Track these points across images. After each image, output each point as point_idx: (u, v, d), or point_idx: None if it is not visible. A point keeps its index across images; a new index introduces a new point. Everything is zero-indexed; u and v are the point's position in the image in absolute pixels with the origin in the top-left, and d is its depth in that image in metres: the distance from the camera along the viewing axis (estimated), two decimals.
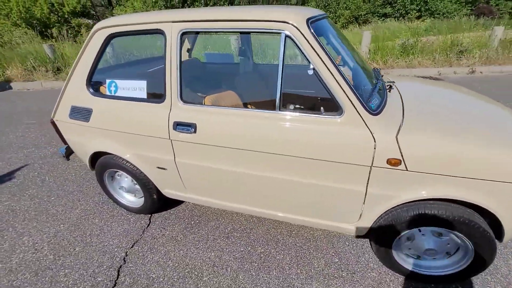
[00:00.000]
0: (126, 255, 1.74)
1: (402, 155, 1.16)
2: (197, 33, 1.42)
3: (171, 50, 1.44)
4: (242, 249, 1.74)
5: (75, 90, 1.80)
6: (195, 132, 1.46)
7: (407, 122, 1.26)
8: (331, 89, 1.21)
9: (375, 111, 1.23)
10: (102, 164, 1.91)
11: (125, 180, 2.00)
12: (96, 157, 1.92)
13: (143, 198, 2.04)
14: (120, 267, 1.65)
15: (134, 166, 1.78)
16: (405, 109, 1.39)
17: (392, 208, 1.29)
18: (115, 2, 26.67)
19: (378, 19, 24.30)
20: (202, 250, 1.75)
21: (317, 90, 1.69)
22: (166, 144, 1.58)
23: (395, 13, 23.77)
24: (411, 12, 23.37)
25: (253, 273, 1.58)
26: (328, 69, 1.19)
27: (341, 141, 1.23)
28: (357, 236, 1.73)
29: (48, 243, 1.85)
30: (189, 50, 2.74)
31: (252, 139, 1.37)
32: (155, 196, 1.92)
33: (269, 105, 1.81)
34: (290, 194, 1.47)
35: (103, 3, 28.05)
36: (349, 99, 1.19)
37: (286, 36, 1.23)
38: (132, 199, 2.10)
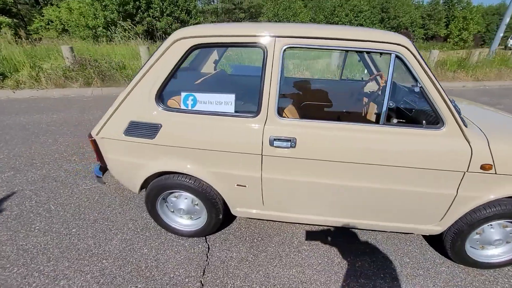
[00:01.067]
0: (203, 285, 1.56)
1: (493, 161, 1.37)
2: (291, 48, 1.42)
3: (273, 65, 1.41)
4: (319, 261, 1.74)
5: (139, 104, 1.59)
6: (294, 146, 1.44)
7: (486, 132, 1.47)
8: (436, 104, 1.36)
9: (465, 124, 1.43)
10: (160, 185, 1.70)
11: (184, 201, 1.81)
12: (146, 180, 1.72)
13: (199, 220, 1.88)
14: None
15: (208, 185, 1.65)
16: (473, 121, 1.60)
17: (476, 207, 1.49)
18: (43, 1, 23.58)
19: None
20: (281, 268, 1.69)
21: (408, 104, 1.81)
22: (255, 160, 1.51)
23: None
24: None
25: (344, 283, 1.60)
26: (435, 86, 1.34)
27: (442, 150, 1.38)
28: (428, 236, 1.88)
29: (99, 285, 1.54)
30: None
31: (357, 151, 1.42)
32: (220, 216, 1.79)
33: (358, 118, 1.89)
34: (382, 202, 1.55)
35: (27, 1, 24.51)
36: (452, 113, 1.36)
37: (397, 56, 1.34)
38: (187, 222, 1.91)
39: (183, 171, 1.61)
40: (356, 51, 1.51)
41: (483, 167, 1.38)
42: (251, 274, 1.64)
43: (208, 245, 1.85)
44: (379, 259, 1.77)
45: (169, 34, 1.61)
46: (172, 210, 1.89)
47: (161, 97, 1.56)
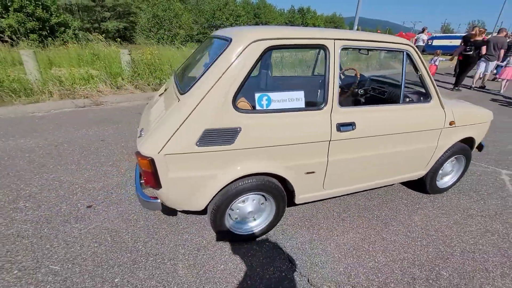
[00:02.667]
0: (308, 279, 1.63)
1: (454, 119, 2.13)
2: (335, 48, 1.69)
3: (334, 62, 1.64)
4: (360, 222, 2.14)
5: (214, 110, 1.44)
6: (354, 129, 1.75)
7: (449, 104, 2.21)
8: (428, 86, 1.98)
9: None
10: (234, 193, 1.60)
11: (252, 203, 1.77)
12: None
13: (262, 218, 1.89)
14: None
15: (285, 178, 1.70)
16: None
17: (445, 151, 2.26)
18: None
19: None
20: (342, 235, 1.96)
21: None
22: (323, 146, 1.71)
23: None
24: None
25: (378, 226, 2.05)
26: (428, 74, 1.95)
27: (430, 116, 2.01)
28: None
29: None
30: None
31: (391, 124, 1.85)
32: (285, 208, 1.87)
33: (386, 101, 2.30)
34: (401, 160, 2.04)
35: None
36: (436, 91, 2.01)
37: (407, 53, 1.86)
38: (253, 223, 1.86)
39: (264, 171, 1.62)
40: (386, 50, 1.96)
41: (450, 123, 2.13)
42: (328, 247, 1.84)
43: (275, 240, 1.90)
44: (388, 206, 2.36)
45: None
46: (236, 217, 1.81)
47: (236, 100, 1.51)
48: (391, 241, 1.92)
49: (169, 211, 2.09)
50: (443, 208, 2.33)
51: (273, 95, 1.58)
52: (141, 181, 1.69)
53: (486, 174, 2.93)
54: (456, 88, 7.67)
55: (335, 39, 1.63)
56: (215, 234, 1.89)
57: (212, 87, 1.43)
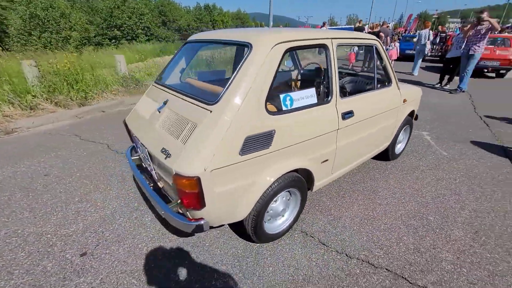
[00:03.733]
0: (347, 255, 1.79)
1: (406, 98, 2.66)
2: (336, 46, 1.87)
3: (334, 59, 1.82)
4: (363, 195, 2.46)
5: (251, 116, 1.40)
6: (353, 115, 1.99)
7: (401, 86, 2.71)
8: (389, 73, 2.39)
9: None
10: (271, 194, 1.61)
11: (283, 201, 1.81)
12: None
13: (287, 212, 1.95)
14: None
15: (309, 171, 1.80)
16: None
17: (401, 124, 2.78)
18: None
19: (110, 42, 24.52)
20: (359, 210, 2.23)
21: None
22: (333, 135, 1.89)
23: (125, 36, 25.11)
24: (140, 36, 25.91)
25: (371, 193, 2.43)
26: (389, 64, 2.36)
27: (393, 96, 2.46)
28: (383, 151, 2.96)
29: None
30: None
31: (376, 108, 2.20)
32: (305, 200, 1.98)
33: (364, 89, 2.58)
34: (379, 136, 2.44)
35: None
36: (394, 77, 2.45)
37: (375, 47, 2.20)
38: (282, 219, 1.90)
39: (296, 167, 1.68)
40: (364, 45, 2.22)
41: (404, 101, 2.65)
42: (345, 223, 2.06)
43: (301, 230, 2.00)
44: (368, 177, 2.78)
45: None
46: (269, 218, 1.82)
47: (267, 103, 1.51)
48: (385, 204, 2.30)
49: (183, 233, 1.93)
50: (404, 169, 2.89)
51: (294, 95, 1.66)
52: (171, 206, 1.52)
53: (414, 137, 3.74)
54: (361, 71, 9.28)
55: (332, 39, 1.81)
56: (248, 241, 1.87)
57: (247, 93, 1.41)
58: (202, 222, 1.44)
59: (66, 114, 4.38)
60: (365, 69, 3.15)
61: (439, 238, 1.92)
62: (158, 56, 19.18)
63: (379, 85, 2.35)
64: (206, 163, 1.30)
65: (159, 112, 1.73)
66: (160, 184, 1.73)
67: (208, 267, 1.68)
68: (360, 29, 10.38)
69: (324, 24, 14.97)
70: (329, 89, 1.83)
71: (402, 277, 1.61)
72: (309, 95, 1.74)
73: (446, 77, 7.22)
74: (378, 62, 2.33)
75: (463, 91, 6.49)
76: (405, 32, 21.11)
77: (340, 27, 27.33)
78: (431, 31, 10.69)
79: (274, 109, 1.65)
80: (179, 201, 1.48)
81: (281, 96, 1.60)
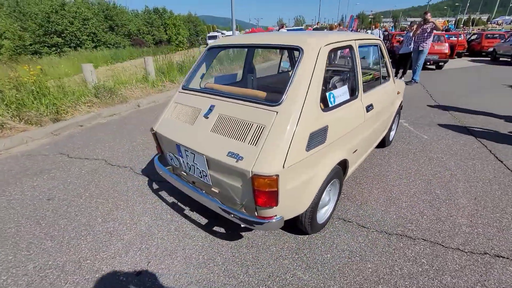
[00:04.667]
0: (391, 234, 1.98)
1: (399, 90, 3.00)
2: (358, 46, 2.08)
3: (358, 57, 2.00)
4: (377, 182, 2.71)
5: (312, 114, 1.50)
6: (373, 108, 2.21)
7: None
8: (389, 69, 2.69)
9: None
10: (322, 189, 1.72)
11: (327, 191, 1.93)
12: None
13: (331, 202, 2.08)
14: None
15: (346, 162, 1.95)
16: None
17: (396, 113, 3.12)
18: None
19: (50, 50, 22.09)
20: (372, 191, 2.46)
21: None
22: (361, 127, 2.08)
23: (68, 43, 22.86)
24: (85, 43, 23.80)
25: (380, 173, 2.71)
26: (388, 61, 2.65)
27: (391, 89, 2.77)
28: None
29: None
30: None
31: (385, 100, 2.48)
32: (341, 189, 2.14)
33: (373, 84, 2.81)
34: (385, 125, 2.74)
35: None
36: (391, 72, 2.76)
37: (379, 46, 2.47)
38: (325, 209, 2.02)
39: (342, 158, 1.82)
40: (373, 45, 2.45)
41: (398, 93, 3.00)
42: (374, 205, 2.27)
43: (338, 217, 2.16)
44: (373, 164, 3.08)
45: None
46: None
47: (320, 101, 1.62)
48: (398, 185, 2.60)
49: (231, 237, 1.96)
50: (399, 154, 3.26)
51: (335, 92, 1.81)
52: (239, 209, 1.55)
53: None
54: None
55: (355, 40, 2.01)
56: (297, 234, 1.96)
57: (307, 92, 1.51)
58: (279, 217, 1.50)
59: (40, 132, 3.92)
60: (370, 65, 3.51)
61: (451, 207, 2.25)
62: (110, 63, 17.90)
63: (383, 80, 2.64)
64: (282, 162, 1.38)
65: (207, 117, 1.73)
66: (215, 190, 1.73)
67: (272, 263, 1.73)
68: (321, 29, 11.36)
69: (283, 25, 15.57)
70: (356, 85, 2.02)
71: (437, 243, 1.87)
72: (344, 92, 1.91)
73: (400, 70, 8.15)
74: (381, 59, 2.62)
75: (417, 82, 7.39)
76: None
77: (293, 28, 28.71)
78: (380, 30, 11.90)
79: (323, 106, 1.78)
80: (243, 202, 1.53)
81: (327, 93, 1.74)
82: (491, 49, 13.15)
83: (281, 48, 1.78)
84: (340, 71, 3.23)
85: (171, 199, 2.43)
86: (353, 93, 2.03)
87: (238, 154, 1.46)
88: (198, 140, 1.68)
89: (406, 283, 1.58)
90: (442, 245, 1.85)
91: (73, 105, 4.71)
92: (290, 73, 3.49)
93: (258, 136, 1.45)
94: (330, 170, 1.72)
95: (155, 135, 2.05)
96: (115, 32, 27.98)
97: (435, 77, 8.42)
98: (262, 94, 1.74)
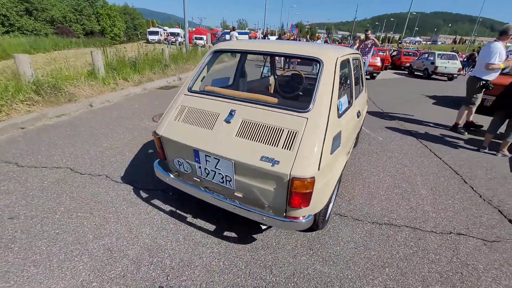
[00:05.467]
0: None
1: (368, 97, 3.43)
2: None
3: (352, 69, 2.24)
4: (370, 164, 3.02)
5: (334, 120, 1.63)
6: (360, 114, 2.50)
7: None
8: (363, 80, 3.05)
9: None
10: (335, 186, 1.90)
11: None
12: None
13: (333, 199, 2.27)
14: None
15: (346, 163, 2.16)
16: None
17: (364, 117, 3.56)
18: None
19: None
20: (383, 177, 2.75)
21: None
22: (354, 131, 2.34)
23: None
24: None
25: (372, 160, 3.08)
26: (363, 72, 3.01)
27: (365, 98, 3.17)
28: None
29: None
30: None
31: (363, 106, 2.81)
32: None
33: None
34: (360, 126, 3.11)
35: None
36: (365, 83, 3.14)
37: (359, 60, 2.79)
38: (330, 205, 2.18)
39: (345, 160, 2.02)
40: (355, 59, 2.72)
41: (367, 101, 3.42)
42: (366, 201, 2.58)
43: (333, 211, 2.36)
44: (349, 164, 3.44)
45: None
46: None
47: None
48: (373, 181, 2.97)
49: (245, 240, 1.98)
50: (364, 154, 3.71)
51: (342, 100, 2.01)
52: (266, 211, 1.60)
53: None
54: None
55: (350, 54, 2.26)
56: (306, 232, 2.09)
57: (330, 100, 1.66)
58: (310, 216, 1.60)
59: None
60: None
61: (417, 198, 2.70)
62: (28, 52, 15.11)
63: (361, 88, 3.00)
64: (317, 164, 1.49)
65: (228, 122, 1.72)
66: (238, 194, 1.73)
67: (292, 261, 1.82)
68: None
69: (234, 28, 15.70)
70: (351, 94, 2.28)
71: (417, 228, 2.24)
72: (346, 100, 2.13)
73: None
74: (360, 70, 2.97)
75: None
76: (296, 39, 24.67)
77: (241, 31, 29.19)
78: (321, 41, 13.11)
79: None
80: (271, 204, 1.60)
81: (338, 101, 1.92)
82: (407, 64, 15.80)
83: (302, 58, 1.88)
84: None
85: (167, 207, 2.29)
86: (350, 101, 2.28)
87: (273, 159, 1.51)
88: (222, 145, 1.66)
89: (405, 264, 1.86)
90: (420, 229, 2.23)
91: (8, 103, 3.92)
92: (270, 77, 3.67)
93: (291, 141, 1.53)
94: (341, 170, 1.90)
95: (160, 140, 1.92)
96: (34, 16, 23.82)
97: (373, 87, 9.70)
98: (273, 99, 1.82)
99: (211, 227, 2.09)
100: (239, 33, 26.99)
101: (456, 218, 2.41)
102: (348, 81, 2.29)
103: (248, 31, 47.12)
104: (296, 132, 1.55)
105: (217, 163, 1.68)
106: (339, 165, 1.89)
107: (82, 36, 30.45)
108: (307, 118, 1.58)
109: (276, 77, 3.66)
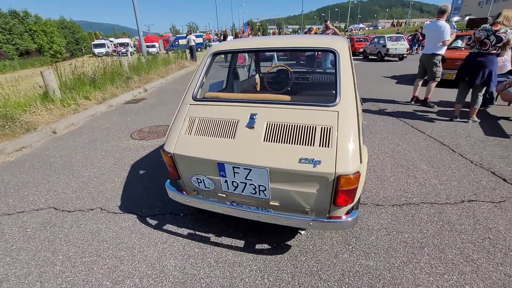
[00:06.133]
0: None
1: None
2: None
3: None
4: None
5: (359, 111, 1.58)
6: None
7: None
8: None
9: None
10: None
11: None
12: None
13: None
14: None
15: None
16: None
17: None
18: None
19: None
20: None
21: None
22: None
23: None
24: None
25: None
26: None
27: None
28: None
29: None
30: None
31: None
32: None
33: None
34: None
35: None
36: None
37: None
38: None
39: None
40: None
41: None
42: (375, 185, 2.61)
43: None
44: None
45: None
46: None
47: None
48: (376, 164, 3.03)
49: (268, 252, 1.87)
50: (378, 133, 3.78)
51: None
52: (308, 214, 1.51)
53: None
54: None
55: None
56: None
57: (354, 90, 1.61)
58: (356, 212, 1.53)
59: None
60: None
61: (421, 173, 2.81)
62: None
63: None
64: (359, 158, 1.43)
65: (251, 127, 1.58)
66: (274, 203, 1.61)
67: (336, 261, 1.74)
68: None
69: (190, 32, 15.23)
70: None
71: (434, 203, 2.32)
72: None
73: None
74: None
75: None
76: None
77: (196, 34, 28.60)
78: None
79: None
80: (313, 207, 1.51)
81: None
82: (361, 50, 16.74)
83: (314, 50, 1.80)
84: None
85: (184, 230, 2.07)
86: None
87: (313, 159, 1.41)
88: (251, 153, 1.52)
89: (438, 240, 1.90)
90: (437, 203, 2.31)
91: None
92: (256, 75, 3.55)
93: (328, 137, 1.44)
94: (367, 160, 1.87)
95: (172, 158, 1.72)
96: None
97: None
98: (286, 97, 1.73)
99: (240, 242, 1.93)
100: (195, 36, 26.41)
101: (461, 186, 2.54)
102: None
103: (202, 33, 46.29)
104: (330, 128, 1.47)
105: (248, 173, 1.53)
106: (366, 155, 1.85)
107: (17, 57, 27.29)
108: (338, 112, 1.51)
109: (261, 74, 3.56)
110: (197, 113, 1.77)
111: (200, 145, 1.65)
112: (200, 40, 25.55)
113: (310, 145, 1.45)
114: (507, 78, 4.47)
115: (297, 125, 1.52)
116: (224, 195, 1.72)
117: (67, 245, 1.95)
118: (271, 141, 1.51)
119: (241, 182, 1.59)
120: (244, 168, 1.52)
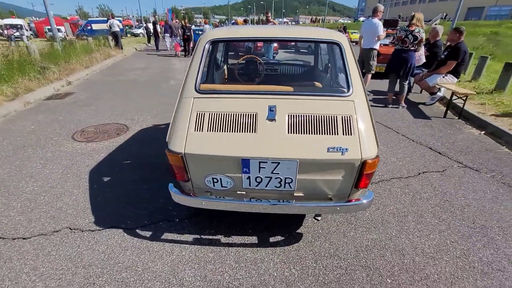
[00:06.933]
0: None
1: None
2: None
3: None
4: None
5: (367, 98, 1.69)
6: None
7: None
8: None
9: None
10: None
11: None
12: None
13: None
14: None
15: None
16: None
17: None
18: None
19: None
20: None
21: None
22: None
23: None
24: None
25: None
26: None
27: None
28: None
29: None
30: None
31: None
32: None
33: None
34: None
35: None
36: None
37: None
38: None
39: None
40: None
41: None
42: None
43: None
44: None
45: None
46: None
47: None
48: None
49: (285, 242, 1.92)
50: None
51: None
52: (331, 199, 1.60)
53: None
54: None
55: None
56: None
57: (361, 80, 1.73)
58: (371, 193, 1.67)
59: None
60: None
61: (382, 153, 3.24)
62: None
63: None
64: (375, 142, 1.57)
65: (272, 120, 1.54)
66: (298, 194, 1.62)
67: (346, 240, 1.88)
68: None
69: (112, 16, 13.38)
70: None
71: (400, 177, 2.72)
72: None
73: None
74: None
75: None
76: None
77: (99, 19, 25.46)
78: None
79: None
80: (335, 193, 1.61)
81: None
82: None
83: (318, 42, 1.83)
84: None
85: (188, 236, 1.90)
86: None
87: (340, 147, 1.47)
88: (278, 146, 1.48)
89: (414, 208, 2.25)
90: (402, 177, 2.72)
91: None
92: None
93: (349, 126, 1.52)
94: None
95: (182, 160, 1.53)
96: None
97: None
98: (289, 88, 1.76)
99: (253, 239, 1.89)
100: (98, 21, 23.07)
101: (413, 161, 3.05)
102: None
103: (120, 19, 41.13)
104: (349, 116, 1.55)
105: (275, 167, 1.50)
106: None
107: None
108: (353, 101, 1.60)
109: (229, 65, 3.44)
110: (205, 107, 1.61)
111: (217, 142, 1.51)
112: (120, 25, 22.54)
113: (334, 134, 1.50)
114: (421, 70, 5.46)
115: (317, 116, 1.54)
116: (244, 192, 1.64)
117: (41, 280, 1.54)
118: (296, 133, 1.50)
119: (266, 177, 1.54)
120: (272, 162, 1.48)
